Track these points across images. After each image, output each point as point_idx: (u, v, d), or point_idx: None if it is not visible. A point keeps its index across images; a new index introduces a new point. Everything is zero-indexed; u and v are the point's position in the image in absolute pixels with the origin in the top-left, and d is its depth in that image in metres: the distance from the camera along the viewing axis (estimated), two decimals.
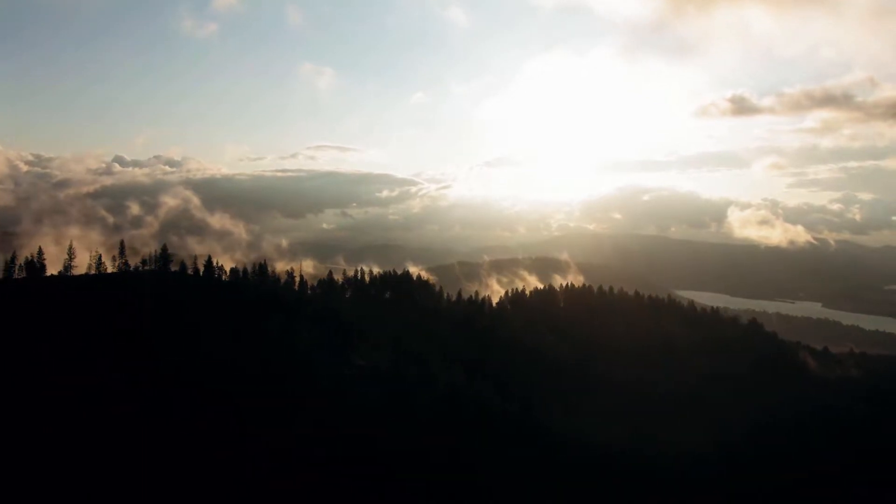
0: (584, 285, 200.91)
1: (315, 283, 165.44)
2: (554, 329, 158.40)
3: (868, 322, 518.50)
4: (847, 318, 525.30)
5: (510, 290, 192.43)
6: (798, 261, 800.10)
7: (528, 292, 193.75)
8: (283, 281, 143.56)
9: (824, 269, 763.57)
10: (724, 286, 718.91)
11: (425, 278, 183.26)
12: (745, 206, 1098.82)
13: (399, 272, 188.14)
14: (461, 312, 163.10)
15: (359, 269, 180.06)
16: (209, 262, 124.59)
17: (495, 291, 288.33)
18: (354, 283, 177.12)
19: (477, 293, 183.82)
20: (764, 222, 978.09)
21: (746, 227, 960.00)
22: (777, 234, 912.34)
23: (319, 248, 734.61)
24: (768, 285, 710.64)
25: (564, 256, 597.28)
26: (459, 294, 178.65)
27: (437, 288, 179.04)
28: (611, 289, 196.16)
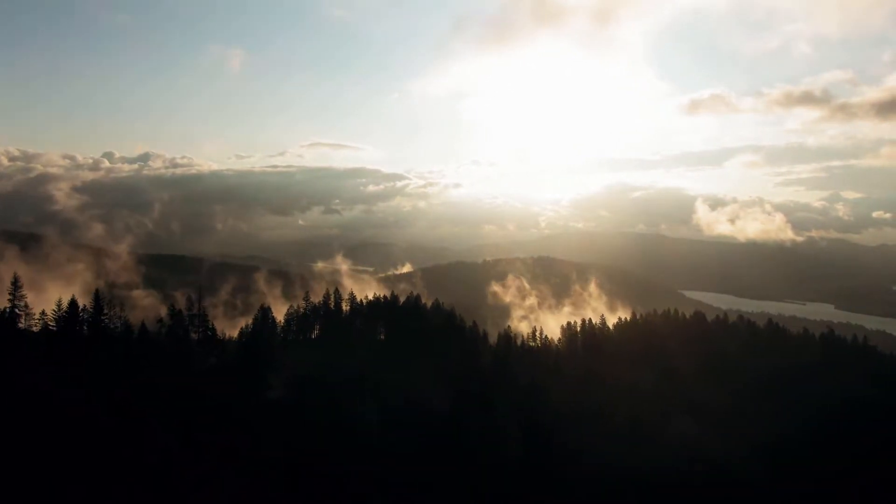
0: (696, 313, 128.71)
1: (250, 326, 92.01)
2: (692, 405, 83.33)
3: (893, 326, 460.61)
4: (869, 322, 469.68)
5: (576, 324, 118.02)
6: (795, 259, 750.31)
7: (610, 325, 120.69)
8: (158, 330, 68.34)
9: (824, 268, 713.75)
10: (727, 286, 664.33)
11: (448, 306, 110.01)
12: (732, 204, 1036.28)
13: (396, 290, 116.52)
14: (525, 388, 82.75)
15: (332, 291, 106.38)
16: None
17: (530, 313, 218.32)
18: (326, 314, 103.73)
19: (541, 335, 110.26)
20: (753, 220, 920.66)
21: (736, 225, 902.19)
22: (768, 232, 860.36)
23: (306, 247, 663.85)
24: (770, 285, 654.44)
25: (563, 256, 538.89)
26: (509, 337, 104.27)
27: (470, 324, 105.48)
28: (738, 317, 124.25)
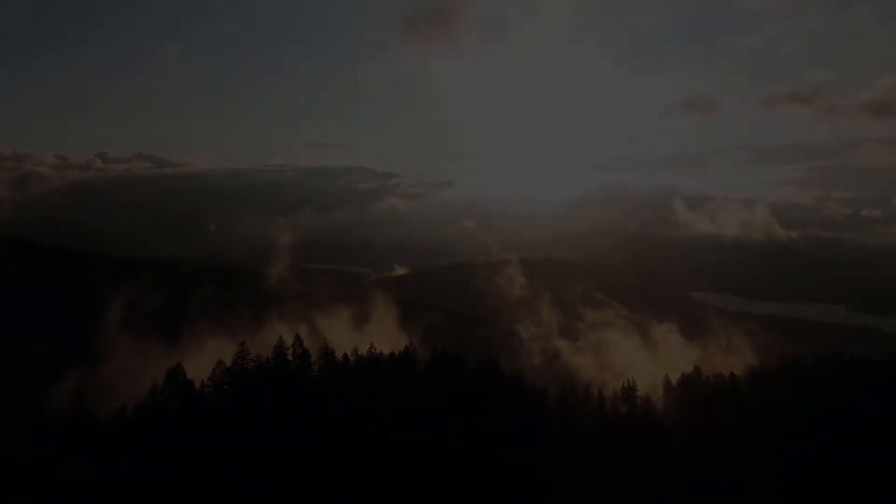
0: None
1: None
2: None
3: None
4: (886, 325, 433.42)
5: (697, 380, 71.73)
6: (793, 259, 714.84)
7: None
8: None
9: (824, 267, 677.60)
10: (728, 286, 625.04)
11: (511, 372, 65.64)
12: (725, 203, 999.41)
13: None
14: None
15: (295, 336, 61.03)
16: None
17: (543, 323, 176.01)
18: (281, 378, 57.98)
19: (629, 388, 66.00)
20: (747, 219, 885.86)
21: (731, 224, 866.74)
22: (763, 231, 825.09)
23: (298, 247, 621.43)
24: (770, 285, 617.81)
25: (561, 256, 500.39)
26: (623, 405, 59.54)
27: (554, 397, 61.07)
28: None
